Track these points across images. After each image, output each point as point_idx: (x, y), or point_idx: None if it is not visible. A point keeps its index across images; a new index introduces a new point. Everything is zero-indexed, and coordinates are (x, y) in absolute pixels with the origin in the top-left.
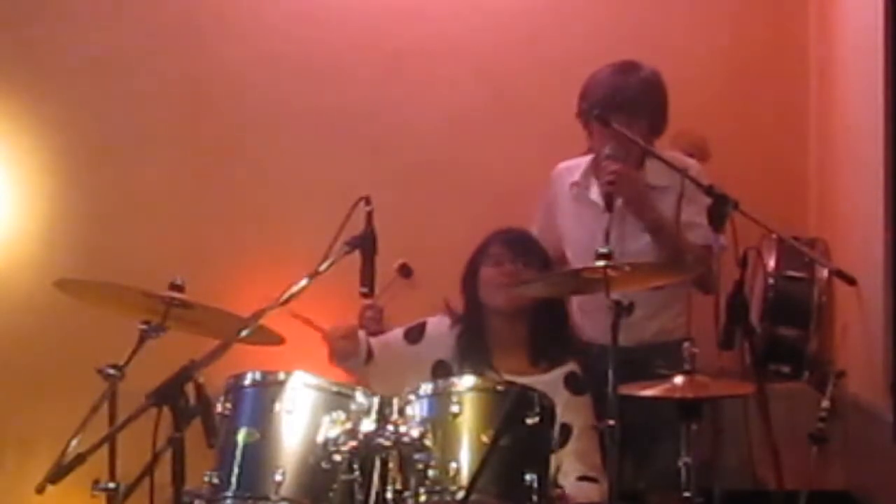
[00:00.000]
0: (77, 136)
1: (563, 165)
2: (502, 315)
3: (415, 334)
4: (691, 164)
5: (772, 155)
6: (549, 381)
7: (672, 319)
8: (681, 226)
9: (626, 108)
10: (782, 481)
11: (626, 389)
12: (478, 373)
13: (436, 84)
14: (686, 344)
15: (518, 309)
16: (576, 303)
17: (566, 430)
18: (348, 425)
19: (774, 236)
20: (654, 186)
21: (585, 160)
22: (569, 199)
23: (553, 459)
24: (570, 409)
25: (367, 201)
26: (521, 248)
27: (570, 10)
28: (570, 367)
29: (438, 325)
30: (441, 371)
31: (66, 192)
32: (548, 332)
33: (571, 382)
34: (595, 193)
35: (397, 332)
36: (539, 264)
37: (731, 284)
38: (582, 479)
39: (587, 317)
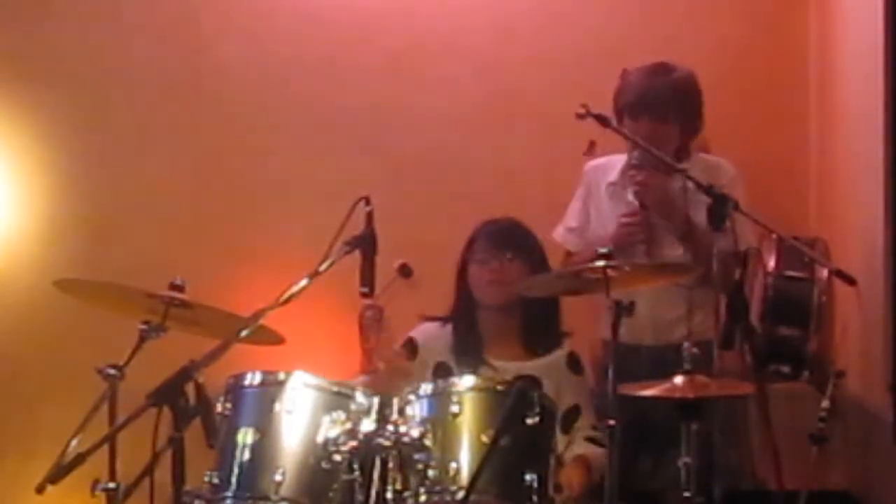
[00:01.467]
0: (77, 136)
1: (595, 162)
2: (494, 310)
3: (407, 352)
4: (728, 167)
5: (772, 155)
6: (551, 363)
7: (700, 322)
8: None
9: (651, 110)
10: (782, 481)
11: (626, 389)
12: (473, 366)
13: (436, 83)
14: (685, 344)
15: (509, 303)
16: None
17: (576, 410)
18: (348, 425)
19: (774, 236)
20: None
21: (620, 159)
22: (605, 198)
23: (562, 440)
24: (575, 389)
25: (367, 201)
26: (505, 242)
27: (569, 9)
28: (567, 348)
29: (427, 332)
30: (442, 372)
31: (66, 192)
32: (540, 322)
33: (572, 363)
34: (631, 194)
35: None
36: (526, 255)
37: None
38: (588, 439)
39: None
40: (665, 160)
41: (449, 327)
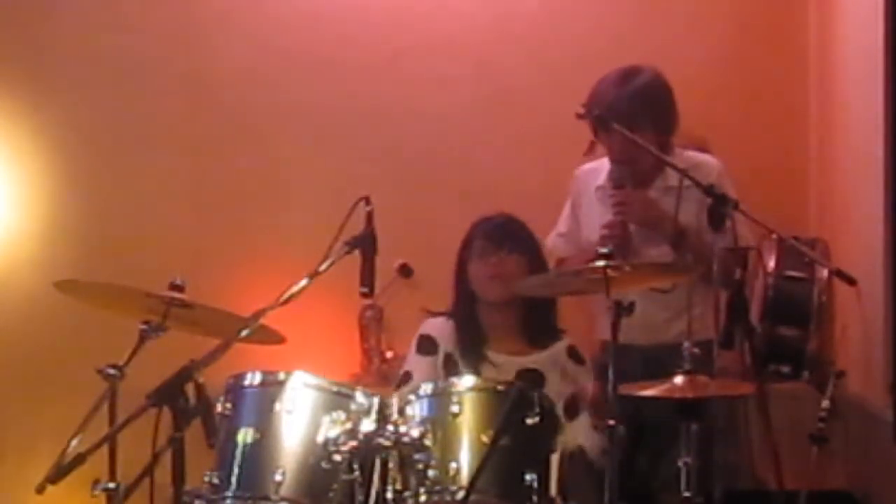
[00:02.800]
0: (77, 136)
1: (586, 167)
2: (495, 305)
3: (427, 347)
4: (713, 163)
5: (772, 155)
6: (553, 354)
7: (696, 320)
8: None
9: (623, 120)
10: (782, 481)
11: (625, 389)
12: (475, 361)
13: (436, 83)
14: (686, 344)
15: (510, 298)
16: (594, 301)
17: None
18: (348, 425)
19: (774, 236)
20: (671, 186)
21: (608, 162)
22: (594, 202)
23: (568, 430)
24: (579, 377)
25: (367, 201)
26: (503, 236)
27: (570, 9)
28: (567, 340)
29: (437, 326)
30: (449, 364)
31: (66, 192)
32: (540, 316)
33: (573, 353)
34: (614, 215)
35: (413, 355)
36: (524, 249)
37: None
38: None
39: (603, 316)
40: (665, 160)
41: (452, 322)
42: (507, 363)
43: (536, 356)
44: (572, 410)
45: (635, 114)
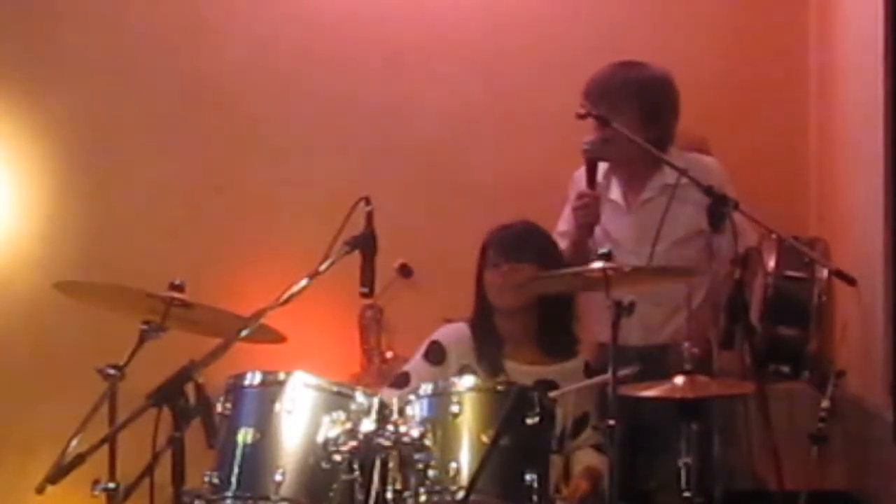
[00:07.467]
0: (77, 136)
1: (583, 169)
2: (510, 314)
3: (436, 355)
4: (714, 165)
5: (772, 155)
6: (571, 370)
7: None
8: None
9: (606, 97)
10: (782, 481)
11: (625, 390)
12: (493, 369)
13: (437, 83)
14: (685, 344)
15: (524, 306)
16: (589, 303)
17: (586, 418)
18: (348, 425)
19: (774, 236)
20: (668, 185)
21: (604, 164)
22: None
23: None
24: (588, 397)
25: (367, 201)
26: (516, 246)
27: (571, 10)
28: (585, 355)
29: (451, 334)
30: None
31: (66, 192)
32: (557, 325)
33: (588, 371)
34: (616, 193)
35: (418, 360)
36: (538, 258)
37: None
38: (595, 447)
39: (601, 316)
40: (663, 158)
41: (469, 330)
42: (524, 373)
43: (554, 368)
44: (577, 429)
45: (618, 94)
